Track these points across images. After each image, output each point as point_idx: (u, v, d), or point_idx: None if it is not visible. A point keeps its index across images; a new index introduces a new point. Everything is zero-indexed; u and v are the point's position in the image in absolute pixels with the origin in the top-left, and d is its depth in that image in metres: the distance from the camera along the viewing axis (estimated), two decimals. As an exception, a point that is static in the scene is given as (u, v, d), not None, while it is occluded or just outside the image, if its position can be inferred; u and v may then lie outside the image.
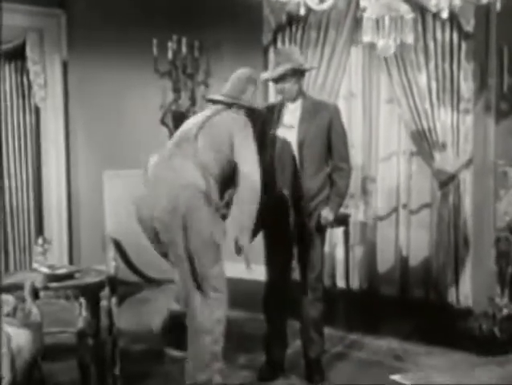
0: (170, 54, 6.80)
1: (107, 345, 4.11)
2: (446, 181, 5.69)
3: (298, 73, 4.11)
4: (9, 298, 3.55)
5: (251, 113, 3.91)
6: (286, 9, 6.22)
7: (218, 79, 6.81)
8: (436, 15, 5.27)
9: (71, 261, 6.53)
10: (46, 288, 3.83)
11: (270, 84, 5.53)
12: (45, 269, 3.92)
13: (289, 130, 4.10)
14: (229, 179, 3.70)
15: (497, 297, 5.09)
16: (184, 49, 6.85)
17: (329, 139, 4.11)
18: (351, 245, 6.26)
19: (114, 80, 6.75)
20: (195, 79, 7.10)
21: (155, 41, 6.62)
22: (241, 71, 3.98)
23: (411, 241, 6.13)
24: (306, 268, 4.15)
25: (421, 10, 5.40)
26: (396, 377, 3.17)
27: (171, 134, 6.88)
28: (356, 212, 6.32)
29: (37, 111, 6.51)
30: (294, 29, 6.32)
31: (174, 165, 3.66)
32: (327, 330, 4.38)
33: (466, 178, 5.68)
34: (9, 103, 6.37)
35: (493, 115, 5.50)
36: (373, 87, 6.26)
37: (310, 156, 4.08)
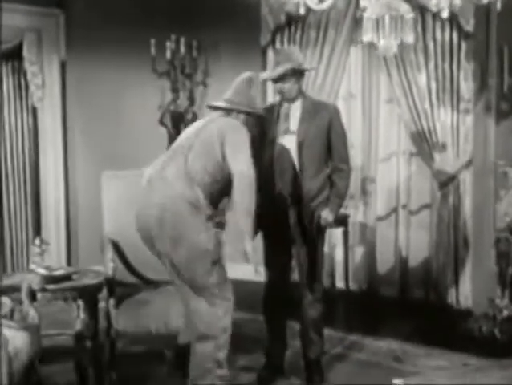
0: (168, 54, 6.80)
1: (105, 347, 4.08)
2: (446, 182, 5.67)
3: (298, 73, 4.09)
4: (6, 300, 3.52)
5: (251, 118, 3.87)
6: (284, 9, 6.20)
7: (217, 79, 6.82)
8: (435, 15, 5.27)
9: (68, 263, 6.51)
10: (43, 289, 3.82)
11: (269, 84, 5.50)
12: (42, 271, 3.90)
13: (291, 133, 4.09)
14: (224, 186, 3.66)
15: (498, 298, 5.07)
16: (182, 49, 6.85)
17: (329, 139, 4.09)
18: (351, 246, 6.25)
19: (112, 80, 6.73)
20: (193, 79, 7.09)
21: (153, 41, 6.62)
22: (242, 76, 3.91)
23: (410, 241, 6.11)
24: (305, 269, 4.13)
25: (421, 10, 5.38)
26: (398, 381, 3.14)
27: (169, 134, 6.88)
28: (356, 213, 6.31)
29: (34, 111, 6.49)
30: (293, 29, 6.30)
31: (165, 176, 3.65)
32: (326, 331, 4.37)
33: (466, 179, 5.65)
34: (6, 104, 6.36)
35: (494, 116, 5.47)
36: (373, 87, 6.25)
37: (309, 156, 4.06)
